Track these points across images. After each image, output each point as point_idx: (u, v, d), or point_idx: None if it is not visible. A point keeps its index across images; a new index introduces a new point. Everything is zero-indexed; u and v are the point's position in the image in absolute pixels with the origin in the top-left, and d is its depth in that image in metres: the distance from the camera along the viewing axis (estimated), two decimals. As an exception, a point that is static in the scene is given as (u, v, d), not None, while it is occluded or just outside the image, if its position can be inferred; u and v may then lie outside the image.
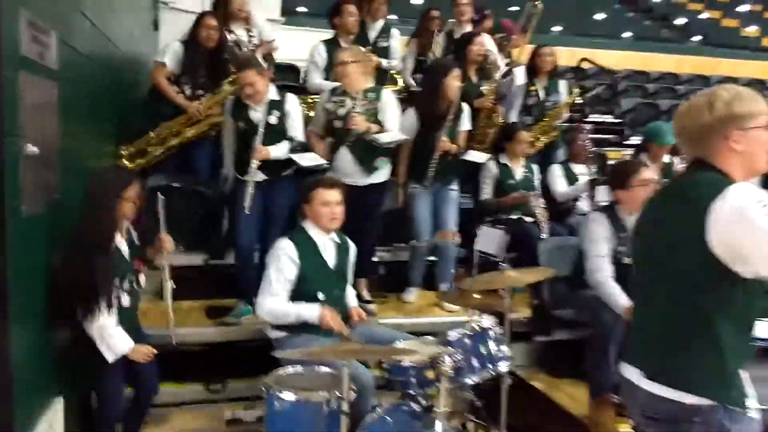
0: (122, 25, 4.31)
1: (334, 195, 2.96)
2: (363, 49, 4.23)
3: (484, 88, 4.61)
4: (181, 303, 3.69)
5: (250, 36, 4.59)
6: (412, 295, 4.09)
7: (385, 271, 4.33)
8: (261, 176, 3.54)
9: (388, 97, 3.76)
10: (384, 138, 3.66)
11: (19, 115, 2.07)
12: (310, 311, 2.80)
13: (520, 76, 4.66)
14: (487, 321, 2.51)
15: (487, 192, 4.37)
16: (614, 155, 7.08)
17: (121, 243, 2.65)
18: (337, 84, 3.88)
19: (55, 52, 2.48)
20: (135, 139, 3.93)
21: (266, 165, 3.53)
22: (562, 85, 5.05)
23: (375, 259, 4.23)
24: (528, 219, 4.26)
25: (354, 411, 2.55)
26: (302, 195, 3.05)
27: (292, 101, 3.67)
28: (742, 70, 10.67)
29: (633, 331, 1.85)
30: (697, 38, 13.61)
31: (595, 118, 7.97)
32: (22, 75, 2.11)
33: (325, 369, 2.60)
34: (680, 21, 14.07)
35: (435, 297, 3.89)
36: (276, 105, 3.59)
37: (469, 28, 5.24)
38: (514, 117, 4.86)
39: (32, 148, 2.17)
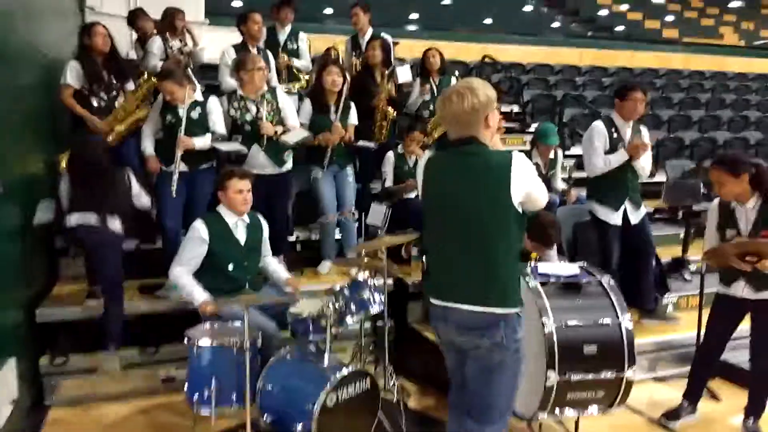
0: (49, 31, 4.68)
1: (245, 184, 3.55)
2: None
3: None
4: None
5: (183, 45, 5.12)
6: (326, 267, 4.72)
7: (301, 248, 4.92)
8: (184, 167, 4.10)
9: (284, 97, 4.43)
10: (291, 139, 4.30)
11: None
12: (197, 295, 3.33)
13: (402, 74, 5.31)
14: (362, 275, 3.15)
15: (389, 179, 5.04)
16: (515, 140, 7.94)
17: None
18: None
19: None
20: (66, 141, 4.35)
21: (189, 157, 4.09)
22: (453, 81, 5.78)
23: (292, 238, 4.85)
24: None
25: (263, 355, 3.19)
26: (218, 183, 3.61)
27: (213, 102, 4.26)
28: (637, 61, 11.74)
29: (442, 271, 2.29)
30: (603, 32, 14.69)
31: (503, 108, 8.81)
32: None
33: (237, 323, 3.18)
34: (588, 15, 15.13)
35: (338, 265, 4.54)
36: (199, 104, 4.18)
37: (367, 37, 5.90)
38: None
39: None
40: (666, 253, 5.20)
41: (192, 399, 2.94)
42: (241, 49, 5.13)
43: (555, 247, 3.81)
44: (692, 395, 3.51)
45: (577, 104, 8.14)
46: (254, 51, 5.14)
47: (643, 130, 4.36)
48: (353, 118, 4.77)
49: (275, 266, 3.79)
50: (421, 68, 5.74)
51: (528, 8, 15.43)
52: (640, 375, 4.03)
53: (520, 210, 2.19)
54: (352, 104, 4.78)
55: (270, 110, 4.33)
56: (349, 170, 4.76)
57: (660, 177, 6.76)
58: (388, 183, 5.05)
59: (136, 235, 4.46)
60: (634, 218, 4.26)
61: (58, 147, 4.36)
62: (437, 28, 12.28)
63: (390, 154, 5.07)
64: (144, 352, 3.82)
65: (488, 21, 14.33)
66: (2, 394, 2.91)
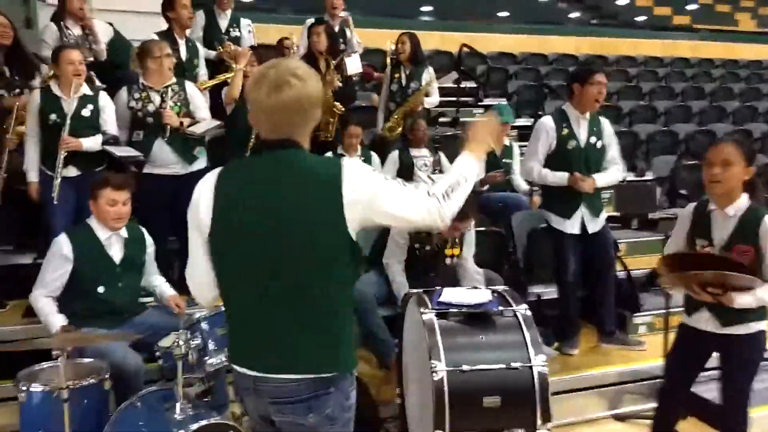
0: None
1: (121, 196, 3.02)
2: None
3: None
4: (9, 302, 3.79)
5: (87, 35, 4.57)
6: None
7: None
8: (74, 171, 3.65)
9: (192, 89, 3.96)
10: (199, 129, 3.83)
11: None
12: (53, 321, 2.85)
13: (351, 65, 4.76)
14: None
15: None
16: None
17: None
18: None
19: None
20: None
21: (79, 159, 3.64)
22: (426, 72, 5.22)
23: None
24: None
25: (121, 396, 2.67)
26: (90, 191, 3.09)
27: (105, 98, 3.80)
28: (641, 49, 10.98)
29: (244, 329, 1.69)
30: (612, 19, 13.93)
31: (489, 101, 8.18)
32: None
33: (87, 360, 2.67)
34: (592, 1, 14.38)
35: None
36: (90, 99, 3.72)
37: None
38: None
39: None
40: (644, 263, 4.56)
41: (17, 455, 2.45)
42: (165, 37, 4.62)
43: (472, 225, 3.27)
44: None
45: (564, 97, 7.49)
46: (182, 41, 4.66)
47: (605, 124, 3.75)
48: None
49: (159, 282, 3.27)
50: (393, 56, 5.32)
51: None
52: (597, 413, 3.48)
53: (354, 236, 1.61)
54: None
55: (176, 101, 3.85)
56: None
57: (649, 175, 6.12)
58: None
59: (33, 247, 4.04)
60: (593, 226, 3.65)
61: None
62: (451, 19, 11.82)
63: (328, 156, 4.54)
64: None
65: (503, 14, 13.75)
66: None
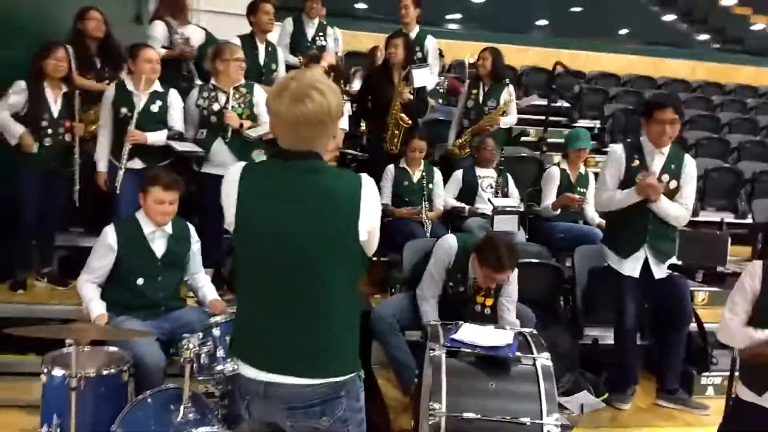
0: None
1: (168, 196, 3.09)
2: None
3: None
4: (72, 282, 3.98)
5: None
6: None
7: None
8: (139, 164, 3.83)
9: (261, 93, 4.00)
10: (255, 133, 3.89)
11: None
12: (93, 308, 2.96)
13: (419, 78, 4.63)
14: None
15: (386, 195, 4.41)
16: (589, 162, 6.87)
17: None
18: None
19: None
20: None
21: (144, 152, 3.81)
22: (506, 91, 5.01)
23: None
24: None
25: (140, 388, 2.72)
26: (143, 184, 3.20)
27: (174, 95, 3.97)
28: (765, 77, 10.00)
29: (258, 330, 1.73)
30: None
31: (584, 123, 7.76)
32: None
33: (113, 349, 2.75)
34: (717, 25, 13.29)
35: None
36: (159, 96, 3.90)
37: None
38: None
39: None
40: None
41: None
42: (246, 40, 4.75)
43: (513, 278, 3.05)
44: None
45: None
46: (261, 45, 4.78)
47: (688, 162, 3.38)
48: (344, 124, 4.22)
49: (204, 283, 3.32)
50: (472, 72, 5.25)
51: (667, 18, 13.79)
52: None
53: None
54: (346, 109, 4.25)
55: (240, 103, 3.93)
56: None
57: (749, 219, 5.52)
58: (384, 200, 4.43)
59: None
60: (659, 272, 3.30)
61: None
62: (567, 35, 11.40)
63: (390, 168, 4.47)
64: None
65: (623, 31, 13.06)
66: None
